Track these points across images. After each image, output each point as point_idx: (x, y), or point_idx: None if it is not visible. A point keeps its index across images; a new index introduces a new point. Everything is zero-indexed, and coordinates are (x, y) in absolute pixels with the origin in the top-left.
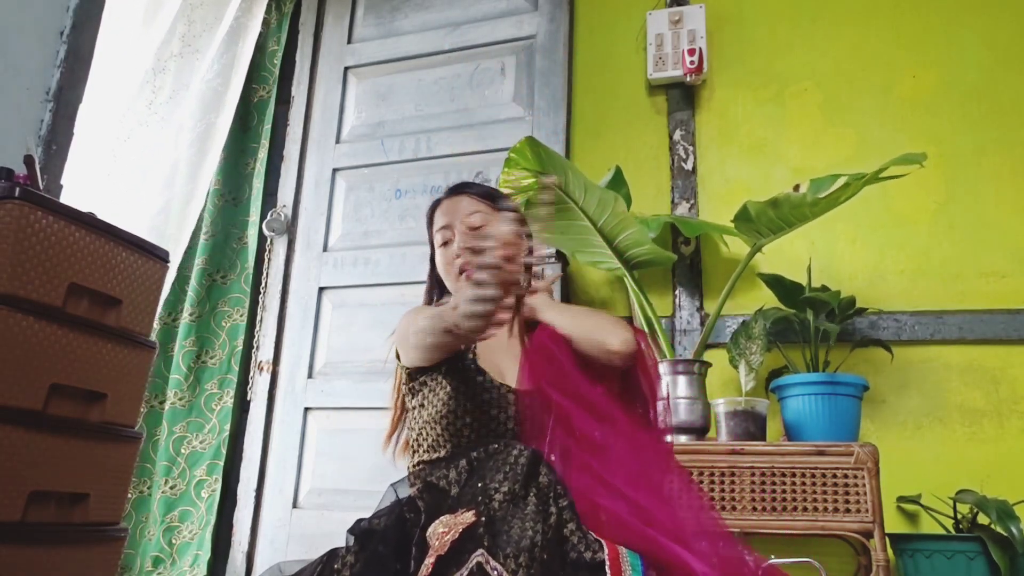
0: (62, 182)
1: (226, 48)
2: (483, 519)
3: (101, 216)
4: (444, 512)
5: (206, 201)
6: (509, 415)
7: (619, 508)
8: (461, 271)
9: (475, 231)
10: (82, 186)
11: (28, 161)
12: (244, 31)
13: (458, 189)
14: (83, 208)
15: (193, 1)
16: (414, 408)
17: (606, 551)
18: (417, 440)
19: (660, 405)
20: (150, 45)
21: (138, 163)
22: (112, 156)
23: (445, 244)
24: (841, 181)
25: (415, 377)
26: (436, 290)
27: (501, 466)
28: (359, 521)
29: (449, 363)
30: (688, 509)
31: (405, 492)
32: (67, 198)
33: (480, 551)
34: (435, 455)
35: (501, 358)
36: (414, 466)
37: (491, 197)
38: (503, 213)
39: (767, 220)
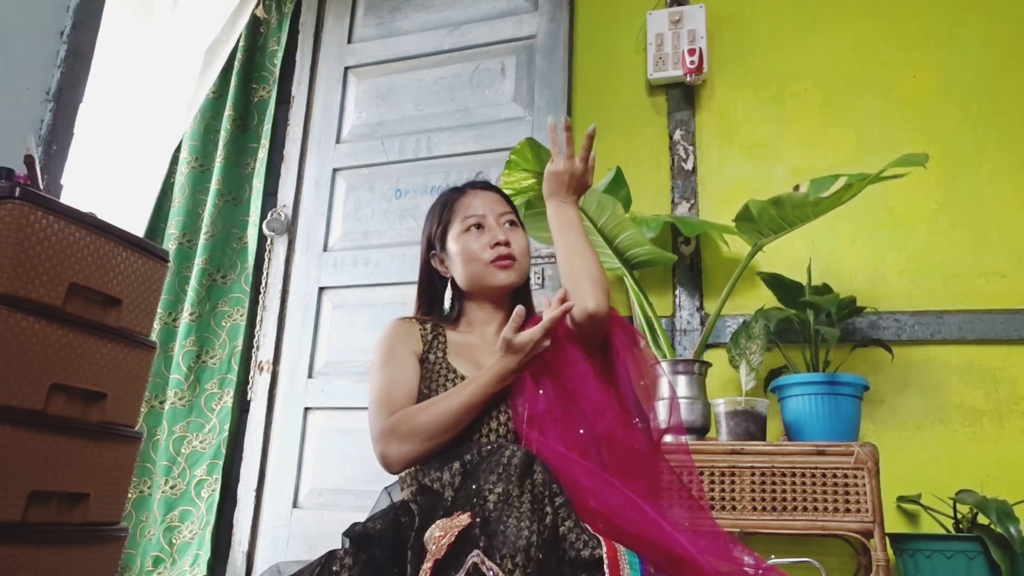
0: (62, 182)
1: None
2: (478, 520)
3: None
4: (438, 515)
5: (206, 200)
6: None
7: (612, 499)
8: (500, 258)
9: (511, 231)
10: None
11: (28, 161)
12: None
13: (489, 186)
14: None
15: None
16: None
17: (604, 548)
18: None
19: (664, 407)
20: None
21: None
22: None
23: (477, 228)
24: (842, 181)
25: None
26: (427, 298)
27: (495, 467)
28: (354, 525)
29: (422, 366)
30: (683, 508)
31: (399, 495)
32: (67, 198)
33: (476, 551)
34: None
35: (480, 354)
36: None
37: (512, 205)
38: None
39: (769, 220)
